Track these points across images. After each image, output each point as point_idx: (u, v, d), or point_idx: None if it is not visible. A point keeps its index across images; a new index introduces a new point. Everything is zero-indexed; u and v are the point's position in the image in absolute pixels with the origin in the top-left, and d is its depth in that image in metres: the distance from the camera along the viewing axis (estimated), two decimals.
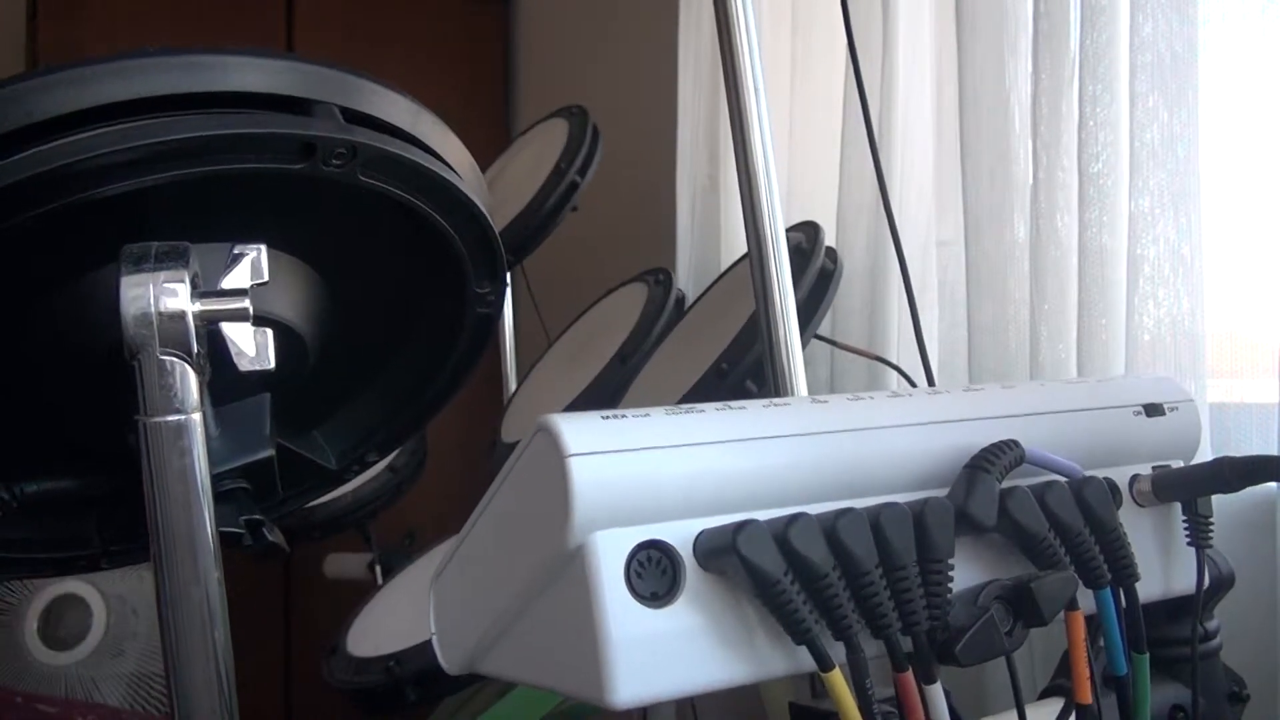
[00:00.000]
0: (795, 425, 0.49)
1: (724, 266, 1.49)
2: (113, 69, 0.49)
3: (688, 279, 1.57)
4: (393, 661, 1.07)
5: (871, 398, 0.52)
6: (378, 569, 1.47)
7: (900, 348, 1.29)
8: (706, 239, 1.59)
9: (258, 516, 0.56)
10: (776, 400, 0.51)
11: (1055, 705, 0.57)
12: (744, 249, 1.48)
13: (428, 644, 0.53)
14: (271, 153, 0.51)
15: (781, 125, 1.45)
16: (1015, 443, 0.52)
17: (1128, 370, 1.03)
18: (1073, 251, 1.08)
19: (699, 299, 1.39)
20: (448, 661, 0.53)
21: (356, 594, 1.36)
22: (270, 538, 0.56)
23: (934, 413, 0.52)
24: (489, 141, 1.94)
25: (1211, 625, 0.64)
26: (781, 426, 0.48)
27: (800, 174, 1.47)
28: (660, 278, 1.47)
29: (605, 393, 1.32)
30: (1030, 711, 0.53)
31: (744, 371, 1.03)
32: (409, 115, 0.56)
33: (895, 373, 1.24)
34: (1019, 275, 1.14)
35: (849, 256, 1.31)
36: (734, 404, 0.49)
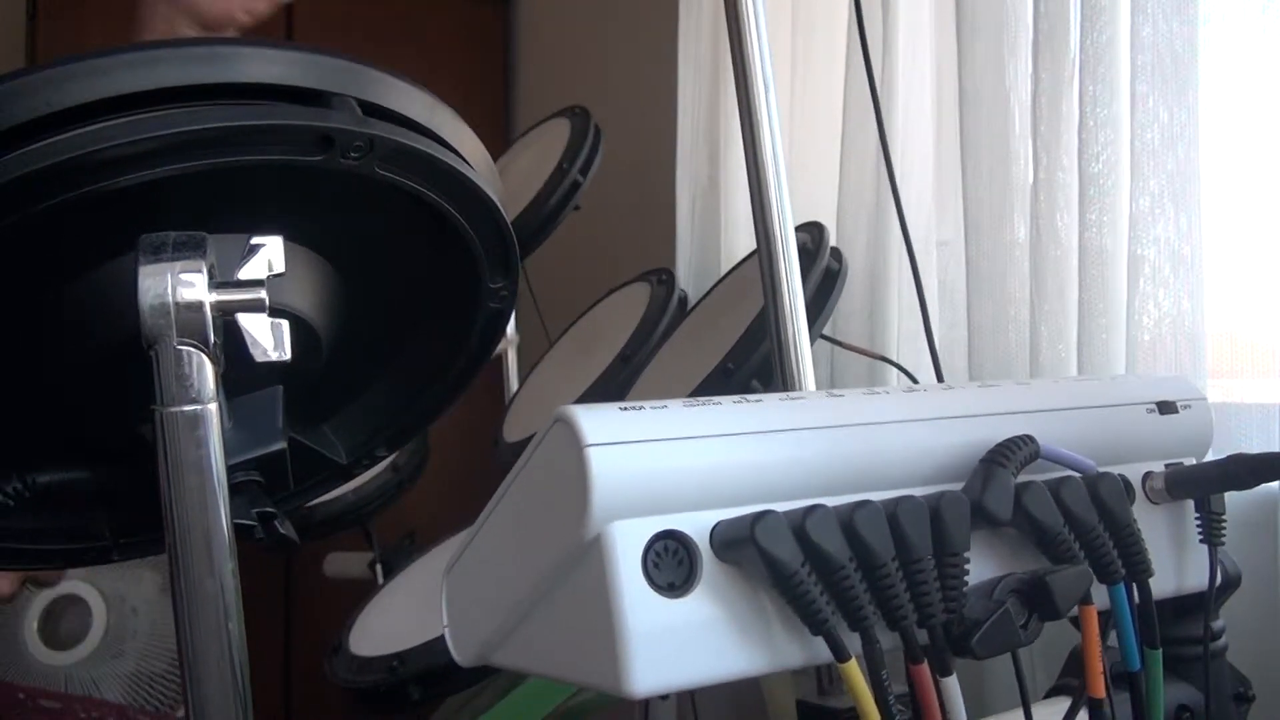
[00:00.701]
0: (812, 418, 0.49)
1: (724, 267, 1.49)
2: (129, 60, 0.49)
3: (687, 279, 1.57)
4: (396, 661, 1.07)
5: (887, 392, 0.52)
6: (379, 568, 1.47)
7: (901, 348, 1.30)
8: (706, 239, 1.59)
9: (270, 509, 0.55)
10: (792, 394, 0.51)
11: (1061, 705, 0.57)
12: (744, 249, 1.48)
13: (431, 643, 0.53)
14: (289, 145, 0.50)
15: (782, 124, 1.45)
16: (1030, 438, 0.52)
17: (1128, 370, 1.03)
18: (1073, 251, 1.08)
19: (702, 299, 1.39)
20: (460, 654, 0.53)
21: (357, 593, 1.36)
22: (282, 530, 0.56)
23: (950, 408, 0.53)
24: (489, 141, 1.94)
25: (1217, 625, 0.64)
26: (798, 419, 0.48)
27: (800, 174, 1.47)
28: (663, 278, 1.47)
29: (608, 393, 1.32)
30: (1036, 711, 0.53)
31: (750, 371, 1.03)
32: (426, 109, 0.55)
33: (897, 372, 1.24)
34: (1019, 275, 1.15)
35: (849, 256, 1.31)
36: (750, 397, 0.49)
